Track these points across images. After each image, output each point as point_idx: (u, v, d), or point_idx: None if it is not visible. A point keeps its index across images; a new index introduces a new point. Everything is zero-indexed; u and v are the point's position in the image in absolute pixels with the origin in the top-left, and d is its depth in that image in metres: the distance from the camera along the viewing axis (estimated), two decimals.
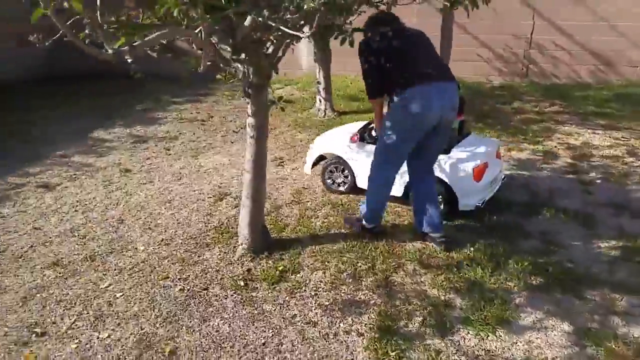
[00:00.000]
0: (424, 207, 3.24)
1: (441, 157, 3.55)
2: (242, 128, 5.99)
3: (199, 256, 3.25)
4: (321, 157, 4.28)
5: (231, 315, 2.66)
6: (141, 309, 2.72)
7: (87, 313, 2.71)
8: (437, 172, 3.50)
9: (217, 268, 3.10)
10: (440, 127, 3.07)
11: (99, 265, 3.16)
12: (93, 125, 6.15)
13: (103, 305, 2.77)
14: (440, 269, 3.00)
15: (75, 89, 7.87)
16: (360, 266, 3.03)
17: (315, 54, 6.39)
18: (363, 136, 3.98)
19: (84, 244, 3.44)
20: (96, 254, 3.30)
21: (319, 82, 6.46)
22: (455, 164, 3.55)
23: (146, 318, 2.65)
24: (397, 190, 3.63)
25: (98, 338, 2.51)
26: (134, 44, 1.85)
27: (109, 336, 2.53)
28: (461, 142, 3.75)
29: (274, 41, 2.75)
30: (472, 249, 3.19)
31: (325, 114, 6.44)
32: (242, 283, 2.90)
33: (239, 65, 2.69)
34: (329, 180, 4.16)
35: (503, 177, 3.97)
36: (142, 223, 3.72)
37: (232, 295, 2.82)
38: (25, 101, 7.24)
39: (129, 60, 1.88)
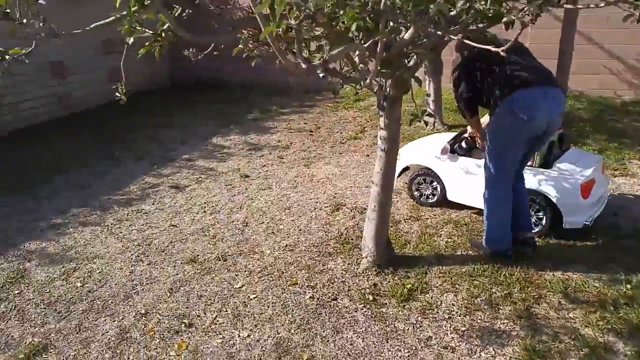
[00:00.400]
0: (519, 213, 3.23)
1: (543, 171, 3.47)
2: (348, 139, 6.11)
3: (323, 265, 3.35)
4: (404, 168, 4.34)
5: (363, 329, 2.70)
6: (275, 312, 2.86)
7: (226, 311, 2.90)
8: (539, 187, 3.43)
9: (343, 279, 3.17)
10: (546, 134, 3.08)
11: (230, 266, 3.38)
12: (211, 131, 6.60)
13: (239, 305, 2.95)
14: (592, 305, 2.81)
15: (193, 98, 8.50)
16: (495, 292, 2.94)
17: (426, 66, 6.33)
18: (453, 148, 3.96)
19: (215, 243, 3.70)
20: (227, 254, 3.52)
21: (428, 95, 6.40)
22: (560, 180, 3.41)
23: (281, 323, 2.78)
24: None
25: (239, 336, 2.68)
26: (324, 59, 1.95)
27: (248, 336, 2.69)
28: (563, 156, 3.62)
29: (418, 53, 2.78)
30: (628, 286, 2.96)
31: (434, 127, 6.36)
32: (370, 297, 2.94)
33: (376, 79, 2.74)
34: (416, 193, 4.19)
35: (608, 195, 3.74)
36: (265, 227, 3.92)
37: (361, 309, 2.86)
38: (152, 107, 7.96)
39: (322, 75, 2.00)
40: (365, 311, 2.85)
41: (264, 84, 9.19)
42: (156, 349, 2.62)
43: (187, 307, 2.95)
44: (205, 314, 2.88)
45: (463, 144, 3.91)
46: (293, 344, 2.62)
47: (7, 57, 2.00)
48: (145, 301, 3.02)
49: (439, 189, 4.04)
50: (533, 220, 3.46)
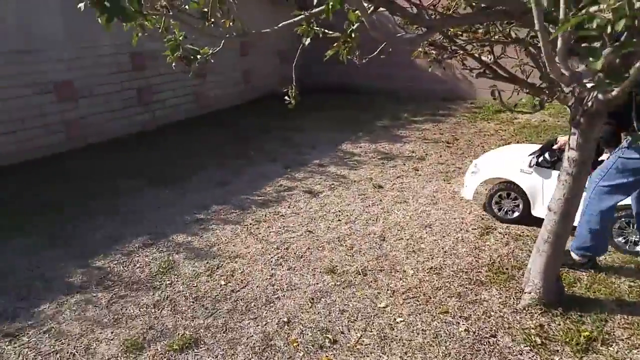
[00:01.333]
0: None
1: None
2: None
3: (475, 294, 3.09)
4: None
5: None
6: (426, 342, 2.68)
7: (371, 331, 2.78)
8: None
9: (501, 314, 2.88)
10: None
11: (371, 282, 3.26)
12: (341, 138, 6.62)
13: (385, 327, 2.81)
14: None
15: (321, 102, 8.65)
16: None
17: None
18: (539, 162, 3.78)
19: (352, 255, 3.61)
20: (366, 269, 3.42)
21: None
22: None
23: (433, 354, 2.58)
24: None
25: None
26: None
27: None
28: None
29: None
30: None
31: None
32: (537, 340, 2.62)
33: (576, 89, 2.41)
34: (495, 208, 4.06)
35: None
36: (405, 244, 3.75)
37: (527, 352, 2.56)
38: (283, 110, 8.25)
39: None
40: (533, 355, 2.54)
41: (391, 91, 9.08)
42: None
43: (329, 321, 2.88)
44: (349, 331, 2.79)
45: (547, 156, 3.75)
46: None
47: (198, 56, 2.07)
48: (287, 308, 3.02)
49: (521, 205, 3.93)
50: None
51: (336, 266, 3.46)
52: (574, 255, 3.27)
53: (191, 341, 2.74)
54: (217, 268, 3.48)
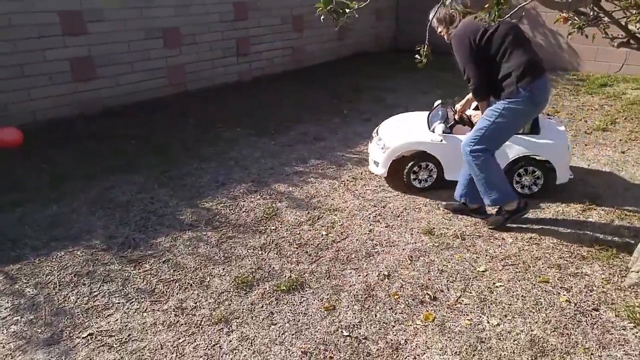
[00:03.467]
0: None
1: (533, 136, 3.88)
2: (595, 130, 5.44)
3: (576, 268, 3.10)
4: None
5: (637, 353, 2.45)
6: (525, 307, 2.77)
7: (470, 292, 2.91)
8: (534, 151, 3.88)
9: (604, 289, 2.90)
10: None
11: (469, 246, 3.36)
12: (435, 100, 6.55)
13: (484, 290, 2.92)
14: None
15: (415, 63, 8.51)
16: None
17: None
18: (447, 127, 3.98)
19: (449, 219, 3.70)
20: (464, 233, 3.51)
21: None
22: (550, 143, 3.88)
23: (534, 320, 2.68)
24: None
25: (488, 322, 2.67)
26: None
27: (498, 324, 2.65)
28: (540, 124, 3.96)
29: None
30: None
31: None
32: None
33: None
34: (415, 181, 4.16)
35: None
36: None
37: (631, 328, 2.59)
38: (376, 69, 8.27)
39: None
40: (637, 332, 2.56)
41: None
42: (402, 313, 2.77)
43: (428, 279, 3.04)
44: (448, 290, 2.93)
45: (449, 119, 4.05)
46: (550, 346, 2.50)
47: (347, 10, 2.18)
48: (386, 263, 3.21)
49: (435, 173, 4.14)
50: (529, 182, 3.99)
51: (433, 228, 3.58)
52: None
53: (297, 284, 3.01)
54: (317, 219, 3.71)
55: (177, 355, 2.47)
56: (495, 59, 3.23)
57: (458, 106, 3.99)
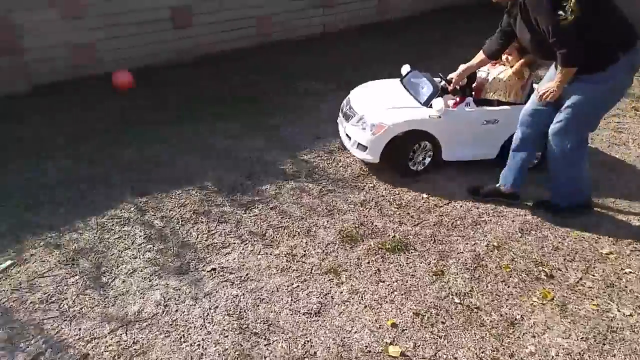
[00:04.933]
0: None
1: None
2: None
3: None
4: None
5: None
6: None
7: (594, 275, 2.72)
8: None
9: None
10: None
11: (588, 225, 3.11)
12: None
13: (610, 275, 2.74)
14: None
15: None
16: None
17: None
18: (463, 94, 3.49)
19: None
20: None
21: None
22: None
23: None
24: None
25: (619, 311, 2.49)
26: None
27: (631, 315, 2.47)
28: None
29: None
30: None
31: None
32: None
33: None
34: (410, 163, 3.60)
35: None
36: (626, 191, 3.46)
37: None
38: (467, 25, 7.76)
39: None
40: None
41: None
42: (515, 287, 2.63)
43: (542, 255, 2.86)
44: (566, 269, 2.75)
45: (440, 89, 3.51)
46: None
47: None
48: (495, 234, 3.05)
49: (431, 152, 3.61)
50: None
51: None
52: None
53: (402, 244, 2.93)
54: (415, 181, 3.57)
55: (292, 299, 2.49)
56: (585, 19, 2.59)
57: (454, 75, 3.50)
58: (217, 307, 2.43)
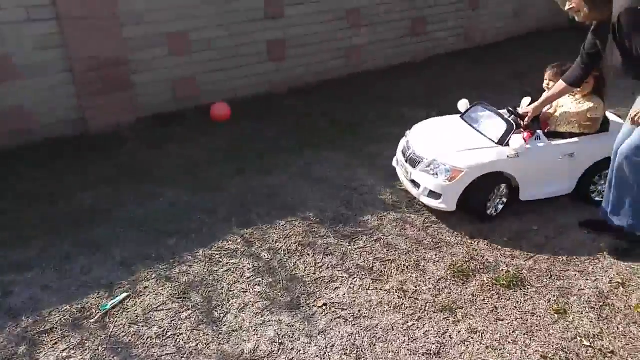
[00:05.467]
0: None
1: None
2: None
3: None
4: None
5: None
6: None
7: None
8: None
9: None
10: None
11: None
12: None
13: None
14: None
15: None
16: None
17: None
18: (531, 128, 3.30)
19: None
20: None
21: None
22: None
23: None
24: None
25: None
26: None
27: None
28: None
29: None
30: None
31: None
32: None
33: None
34: (490, 210, 3.33)
35: None
36: None
37: None
38: (553, 49, 7.45)
39: None
40: None
41: None
42: None
43: None
44: None
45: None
46: None
47: None
48: (617, 269, 2.85)
49: (506, 195, 3.36)
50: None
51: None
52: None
53: (517, 280, 2.80)
54: (523, 211, 3.41)
55: (409, 339, 2.44)
56: None
57: (528, 107, 3.34)
58: (333, 345, 2.42)
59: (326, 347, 2.41)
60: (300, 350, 2.40)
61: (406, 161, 3.49)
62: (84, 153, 4.41)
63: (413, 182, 3.41)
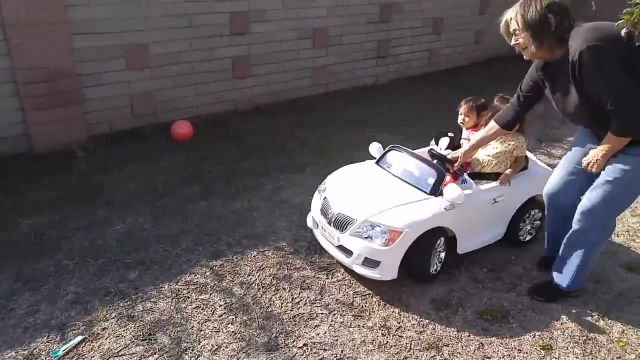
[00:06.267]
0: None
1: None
2: None
3: None
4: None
5: None
6: None
7: None
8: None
9: None
10: None
11: None
12: None
13: None
14: None
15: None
16: None
17: None
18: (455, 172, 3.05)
19: None
20: None
21: None
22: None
23: None
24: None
25: None
26: None
27: None
28: None
29: None
30: None
31: None
32: None
33: None
34: (432, 269, 2.97)
35: None
36: None
37: None
38: (508, 74, 7.75)
39: None
40: None
41: None
42: None
43: None
44: None
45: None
46: None
47: None
48: (597, 303, 2.86)
49: (443, 250, 3.01)
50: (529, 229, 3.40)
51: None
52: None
53: (500, 314, 2.74)
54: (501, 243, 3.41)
55: None
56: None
57: (456, 152, 3.09)
58: None
59: None
60: None
61: (329, 223, 2.93)
62: (26, 173, 4.04)
63: (342, 248, 2.88)
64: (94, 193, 3.81)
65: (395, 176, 3.10)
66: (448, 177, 3.01)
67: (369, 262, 2.79)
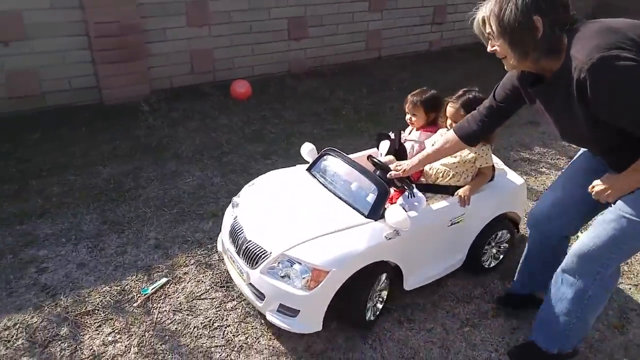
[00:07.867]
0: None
1: None
2: None
3: None
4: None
5: None
6: None
7: None
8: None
9: None
10: None
11: None
12: None
13: None
14: None
15: None
16: None
17: None
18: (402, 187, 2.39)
19: None
20: None
21: None
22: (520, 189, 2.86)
23: None
24: None
25: None
26: None
27: None
28: None
29: None
30: None
31: None
32: None
33: None
34: (369, 314, 2.33)
35: None
36: None
37: None
38: None
39: None
40: None
41: None
42: None
43: None
44: None
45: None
46: None
47: None
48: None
49: (387, 287, 2.40)
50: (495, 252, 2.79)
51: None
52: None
53: None
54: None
55: None
56: None
57: (401, 165, 2.40)
58: None
59: None
60: None
61: (239, 253, 2.31)
62: (98, 124, 4.31)
63: (253, 287, 2.26)
64: (162, 146, 4.05)
65: (328, 189, 2.49)
66: (392, 190, 2.46)
67: (286, 309, 2.18)
